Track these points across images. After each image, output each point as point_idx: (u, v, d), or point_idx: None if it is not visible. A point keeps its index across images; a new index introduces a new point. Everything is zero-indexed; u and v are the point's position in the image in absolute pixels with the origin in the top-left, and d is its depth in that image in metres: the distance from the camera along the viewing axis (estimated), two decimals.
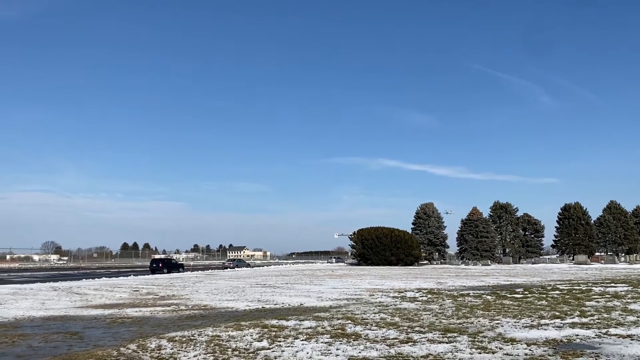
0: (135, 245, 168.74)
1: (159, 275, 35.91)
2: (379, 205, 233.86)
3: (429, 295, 16.44)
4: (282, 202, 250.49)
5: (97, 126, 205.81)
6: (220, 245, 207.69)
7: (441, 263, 71.12)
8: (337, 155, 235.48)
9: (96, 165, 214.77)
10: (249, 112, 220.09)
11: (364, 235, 62.77)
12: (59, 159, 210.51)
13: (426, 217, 74.87)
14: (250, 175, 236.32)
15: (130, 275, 33.53)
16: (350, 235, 68.46)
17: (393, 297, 16.09)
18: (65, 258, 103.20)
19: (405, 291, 18.48)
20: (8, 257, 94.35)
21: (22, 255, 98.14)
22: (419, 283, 23.86)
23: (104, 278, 30.49)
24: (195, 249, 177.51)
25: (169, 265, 46.54)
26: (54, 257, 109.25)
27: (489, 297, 15.72)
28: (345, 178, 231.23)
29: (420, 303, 14.05)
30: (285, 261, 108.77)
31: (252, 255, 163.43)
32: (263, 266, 61.64)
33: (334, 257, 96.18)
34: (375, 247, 60.48)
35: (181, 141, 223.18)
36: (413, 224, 76.65)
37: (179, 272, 43.04)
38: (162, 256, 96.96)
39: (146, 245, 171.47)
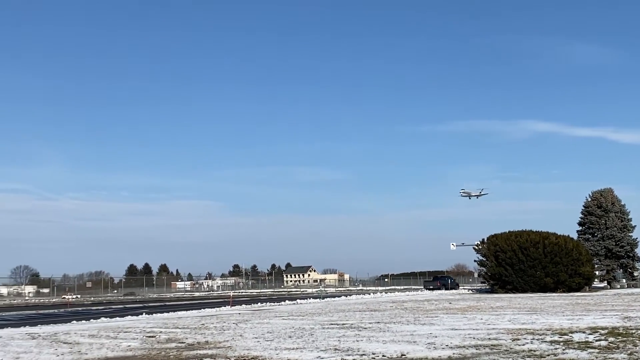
0: (147, 267, 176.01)
1: (218, 311, 37.04)
2: (523, 196, 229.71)
3: (611, 339, 16.17)
4: (367, 198, 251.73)
5: (88, 91, 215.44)
6: (273, 266, 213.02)
7: (629, 286, 69.73)
8: (454, 118, 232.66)
9: (90, 149, 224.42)
10: (309, 57, 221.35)
11: (498, 244, 62.10)
12: (38, 141, 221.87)
13: (602, 212, 73.53)
14: (317, 157, 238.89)
15: (142, 314, 34.82)
16: (477, 245, 68.11)
17: (551, 342, 15.95)
18: (46, 290, 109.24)
19: (571, 332, 18.24)
20: None
21: None
22: (593, 319, 23.45)
23: (103, 318, 31.92)
24: (236, 271, 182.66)
25: (446, 284, 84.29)
26: (30, 288, 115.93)
27: None
28: (467, 154, 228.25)
29: (597, 352, 13.84)
30: (374, 288, 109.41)
31: (321, 280, 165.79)
32: (340, 296, 62.35)
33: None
34: (519, 264, 59.74)
35: (213, 111, 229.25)
36: (580, 224, 75.96)
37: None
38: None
39: (163, 268, 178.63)
